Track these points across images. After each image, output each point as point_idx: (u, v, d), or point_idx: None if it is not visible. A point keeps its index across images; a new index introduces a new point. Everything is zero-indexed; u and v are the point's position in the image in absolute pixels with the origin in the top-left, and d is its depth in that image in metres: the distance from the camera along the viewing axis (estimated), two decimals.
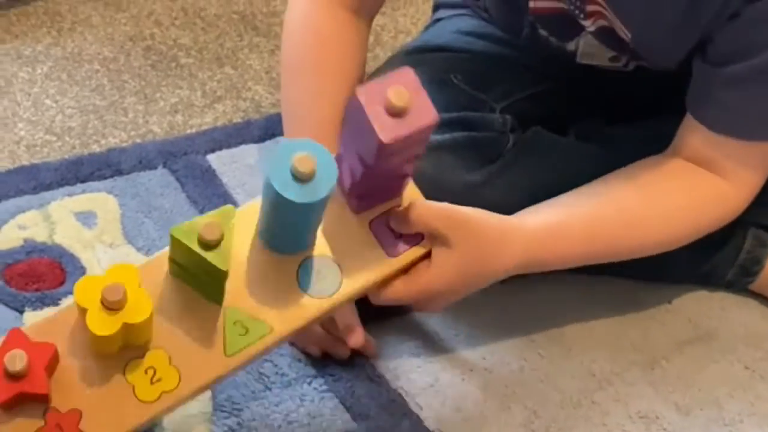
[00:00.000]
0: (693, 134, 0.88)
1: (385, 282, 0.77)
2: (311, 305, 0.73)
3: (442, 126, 0.91)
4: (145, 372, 0.69)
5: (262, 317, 0.71)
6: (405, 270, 0.78)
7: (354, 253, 0.75)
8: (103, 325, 0.65)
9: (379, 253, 0.76)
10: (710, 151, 0.87)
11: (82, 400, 0.68)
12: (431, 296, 0.79)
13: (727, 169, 0.88)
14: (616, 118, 1.05)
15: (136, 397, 0.68)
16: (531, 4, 0.93)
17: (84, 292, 0.67)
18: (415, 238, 0.77)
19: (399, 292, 0.78)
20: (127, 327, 0.66)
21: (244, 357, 0.71)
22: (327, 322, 0.86)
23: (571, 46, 0.97)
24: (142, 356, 0.69)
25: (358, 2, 0.95)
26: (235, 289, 0.72)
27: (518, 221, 0.83)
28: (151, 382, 0.69)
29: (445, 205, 0.78)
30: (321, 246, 0.75)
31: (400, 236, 0.77)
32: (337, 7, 0.94)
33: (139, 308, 0.66)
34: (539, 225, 0.83)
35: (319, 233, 0.75)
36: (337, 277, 0.74)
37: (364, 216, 0.77)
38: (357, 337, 0.85)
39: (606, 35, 0.91)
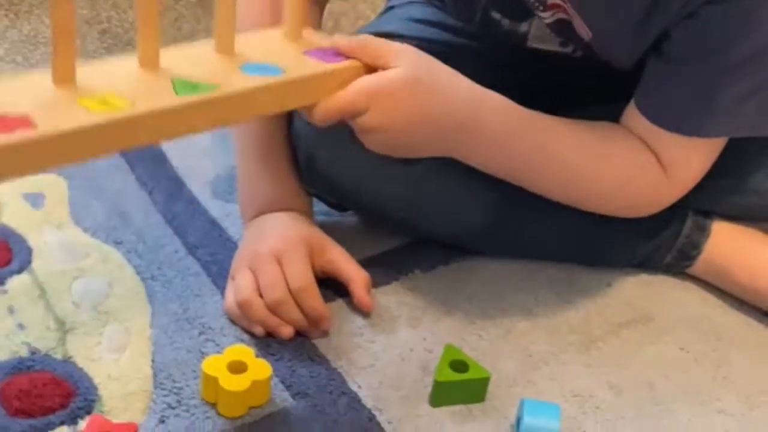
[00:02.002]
0: (638, 124, 0.90)
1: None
2: (254, 80, 0.77)
3: None
4: (97, 101, 0.71)
5: (209, 81, 0.75)
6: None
7: (292, 60, 0.81)
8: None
9: (314, 62, 0.81)
10: (653, 144, 0.90)
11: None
12: (375, 102, 0.79)
13: (665, 162, 0.90)
14: (564, 107, 1.07)
15: (89, 111, 0.69)
16: None
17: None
18: (341, 59, 0.81)
19: (342, 93, 0.78)
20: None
21: (194, 99, 0.73)
22: (292, 310, 0.88)
23: (523, 27, 0.98)
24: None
25: None
26: (184, 72, 0.76)
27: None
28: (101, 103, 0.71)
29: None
30: (259, 57, 0.80)
31: (335, 56, 0.81)
32: None
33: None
34: (485, 91, 0.85)
35: (256, 50, 0.81)
36: (279, 72, 0.79)
37: (298, 47, 0.83)
38: (327, 324, 0.89)
39: (561, 28, 0.93)
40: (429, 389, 0.86)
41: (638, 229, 0.97)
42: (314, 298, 0.88)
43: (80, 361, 0.84)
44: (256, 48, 0.82)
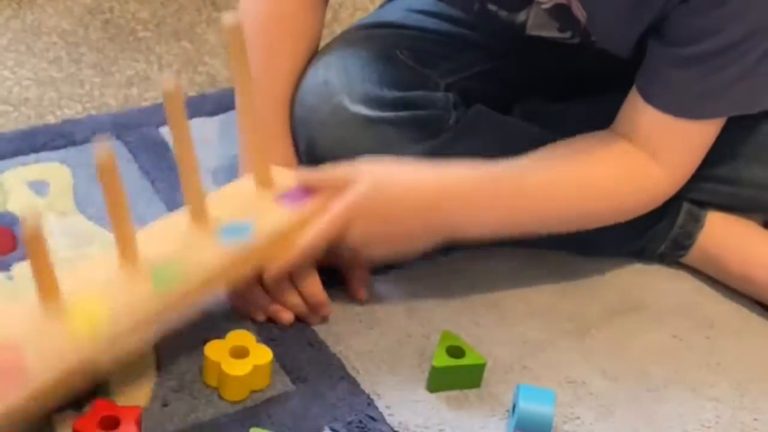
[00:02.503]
0: (635, 111, 0.91)
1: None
2: (226, 253, 0.83)
3: (385, 105, 0.94)
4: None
5: (183, 265, 0.82)
6: None
7: (263, 214, 0.87)
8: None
9: (283, 211, 0.87)
10: (648, 129, 0.91)
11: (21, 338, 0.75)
12: (349, 224, 0.85)
13: (662, 150, 0.91)
14: (562, 97, 1.08)
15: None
16: None
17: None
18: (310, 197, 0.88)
19: (315, 226, 0.85)
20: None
21: (172, 294, 0.79)
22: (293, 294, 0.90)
23: (521, 16, 0.99)
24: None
25: None
26: (163, 257, 0.82)
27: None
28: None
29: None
30: (237, 211, 0.87)
31: (302, 198, 0.88)
32: None
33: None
34: (449, 168, 0.89)
35: (227, 209, 0.87)
36: (248, 232, 0.85)
37: (270, 193, 0.89)
38: (326, 311, 0.91)
39: (560, 13, 0.94)
40: (426, 375, 0.88)
41: (633, 220, 0.99)
42: (314, 284, 0.90)
43: None
44: (229, 206, 0.88)
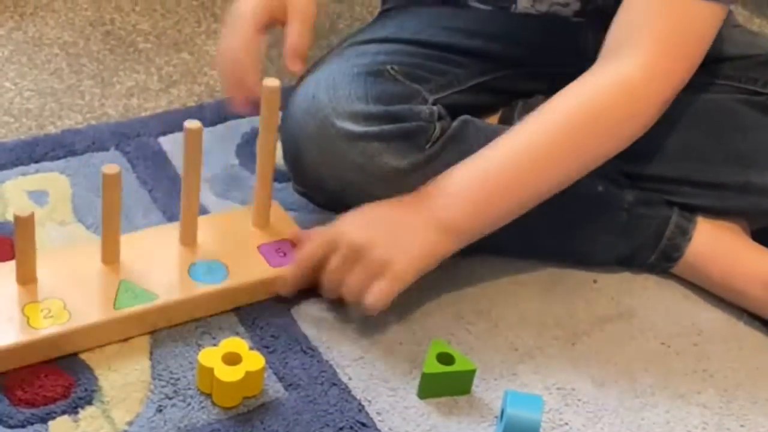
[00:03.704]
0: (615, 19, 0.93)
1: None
2: (194, 287, 0.91)
3: (371, 119, 0.95)
4: (41, 311, 0.87)
5: (151, 290, 0.90)
6: None
7: (243, 261, 0.94)
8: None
9: (264, 263, 0.94)
10: (623, 24, 0.92)
11: None
12: (346, 243, 0.88)
13: (625, 44, 0.91)
14: (557, 85, 1.09)
15: (29, 325, 0.85)
16: None
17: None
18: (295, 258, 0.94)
19: (311, 241, 0.90)
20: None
21: (130, 312, 0.87)
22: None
23: None
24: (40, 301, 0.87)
25: None
26: (137, 269, 0.91)
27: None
28: (44, 317, 0.87)
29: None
30: (214, 251, 0.94)
31: (283, 256, 0.94)
32: None
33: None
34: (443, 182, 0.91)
35: (215, 241, 0.95)
36: (223, 275, 0.92)
37: (256, 239, 0.96)
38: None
39: None
40: (417, 381, 0.89)
41: (620, 229, 1.00)
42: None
43: (82, 353, 0.87)
44: (219, 237, 0.95)
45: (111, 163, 0.86)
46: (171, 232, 0.95)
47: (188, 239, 0.94)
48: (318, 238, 0.92)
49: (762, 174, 1.00)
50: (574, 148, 0.92)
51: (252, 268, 0.93)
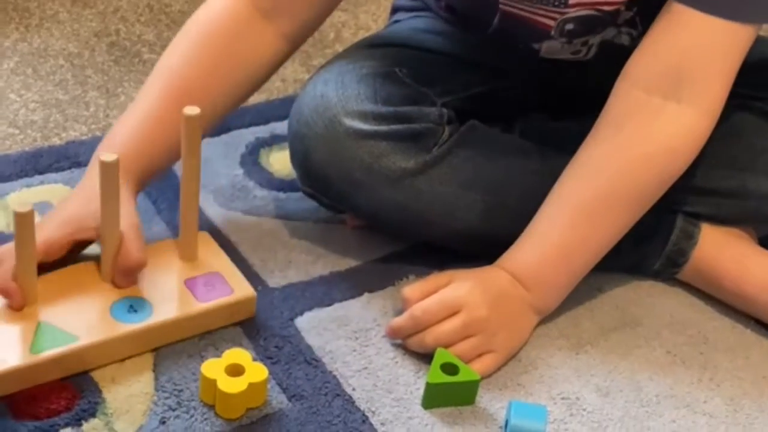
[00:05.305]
0: (655, 45, 0.90)
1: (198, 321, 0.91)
2: (117, 327, 0.87)
3: (380, 119, 0.96)
4: None
5: (71, 331, 0.86)
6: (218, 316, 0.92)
7: (169, 297, 0.91)
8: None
9: (191, 298, 0.91)
10: (674, 54, 0.89)
11: None
12: (474, 317, 0.90)
13: (686, 83, 0.89)
14: (564, 115, 1.09)
15: None
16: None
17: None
18: (225, 292, 0.91)
19: (417, 291, 0.92)
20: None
21: (48, 355, 0.84)
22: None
23: (535, 45, 1.01)
24: None
25: (272, 8, 0.95)
26: (56, 310, 0.87)
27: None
28: None
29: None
30: (137, 288, 0.91)
31: (212, 290, 0.91)
32: (251, 10, 0.96)
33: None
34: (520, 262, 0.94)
35: (140, 276, 0.91)
36: (147, 313, 0.89)
37: (183, 273, 0.93)
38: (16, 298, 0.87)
39: (587, 20, 0.96)
40: (421, 392, 0.89)
41: (627, 236, 1.00)
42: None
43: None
44: (140, 274, 0.90)
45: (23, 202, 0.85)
46: (91, 268, 0.91)
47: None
48: (436, 295, 0.91)
49: (757, 178, 1.00)
50: (642, 198, 0.94)
51: (177, 304, 0.90)
